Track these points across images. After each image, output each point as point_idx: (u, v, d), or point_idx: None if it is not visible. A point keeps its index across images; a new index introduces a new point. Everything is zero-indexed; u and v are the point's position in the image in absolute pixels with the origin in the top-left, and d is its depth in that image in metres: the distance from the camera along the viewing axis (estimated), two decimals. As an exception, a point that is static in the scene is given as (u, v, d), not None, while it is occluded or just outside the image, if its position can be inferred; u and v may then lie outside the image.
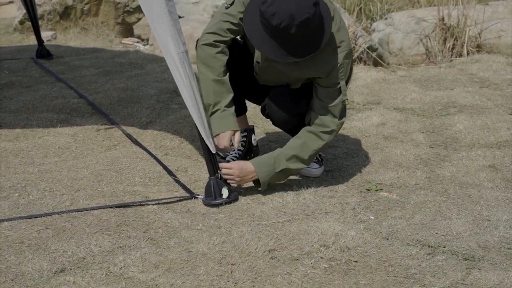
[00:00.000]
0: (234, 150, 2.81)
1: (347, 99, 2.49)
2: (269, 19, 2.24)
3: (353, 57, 4.62)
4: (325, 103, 2.45)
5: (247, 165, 2.45)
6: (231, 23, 2.45)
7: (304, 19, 2.21)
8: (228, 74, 2.49)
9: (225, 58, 2.47)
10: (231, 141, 2.47)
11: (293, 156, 2.46)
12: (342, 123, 2.51)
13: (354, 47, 4.68)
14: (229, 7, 2.46)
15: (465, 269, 2.00)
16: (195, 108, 2.40)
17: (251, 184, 2.57)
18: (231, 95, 2.47)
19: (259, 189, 2.50)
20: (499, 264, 2.03)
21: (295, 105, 2.54)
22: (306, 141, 2.47)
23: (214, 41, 2.46)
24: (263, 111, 2.68)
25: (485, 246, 2.14)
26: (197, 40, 2.64)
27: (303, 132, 2.49)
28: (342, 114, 2.50)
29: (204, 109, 2.44)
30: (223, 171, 2.44)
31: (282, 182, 2.60)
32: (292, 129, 2.62)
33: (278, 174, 2.47)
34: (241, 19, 2.42)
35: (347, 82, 2.47)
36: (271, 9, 2.23)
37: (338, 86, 2.43)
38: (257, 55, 2.52)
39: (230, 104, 2.46)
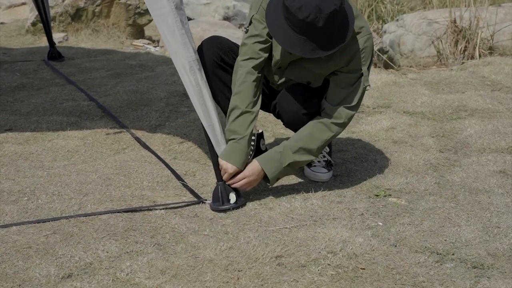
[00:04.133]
0: None
1: (369, 85, 2.45)
2: (295, 13, 2.22)
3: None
4: (345, 89, 2.42)
5: (254, 165, 2.44)
6: (260, 42, 2.44)
7: (332, 11, 2.20)
8: (258, 105, 2.47)
9: (257, 89, 2.46)
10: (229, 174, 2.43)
11: (300, 148, 2.43)
12: (353, 115, 2.48)
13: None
14: (248, 28, 2.46)
15: (474, 278, 1.98)
16: (206, 116, 2.40)
17: (258, 188, 2.57)
18: (250, 129, 2.44)
19: (268, 184, 2.48)
20: (508, 273, 2.01)
21: (306, 104, 2.49)
22: (313, 131, 2.44)
23: (250, 68, 2.45)
24: (273, 110, 2.65)
25: (495, 254, 2.12)
26: (201, 43, 2.62)
27: (312, 122, 2.46)
28: (357, 104, 2.46)
29: (217, 116, 2.44)
30: (238, 184, 2.42)
31: (289, 185, 2.60)
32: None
33: (286, 169, 2.45)
34: (267, 34, 2.42)
35: (369, 68, 2.44)
36: (297, 3, 2.22)
37: (360, 72, 2.41)
38: (276, 61, 2.49)
39: (247, 138, 2.43)
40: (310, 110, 2.49)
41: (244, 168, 2.44)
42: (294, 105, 2.50)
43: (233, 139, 2.43)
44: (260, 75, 2.47)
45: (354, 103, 2.44)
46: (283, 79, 2.54)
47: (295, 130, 2.66)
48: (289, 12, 2.24)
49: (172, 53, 2.38)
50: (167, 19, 2.33)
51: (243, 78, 2.45)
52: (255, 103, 2.46)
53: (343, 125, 2.47)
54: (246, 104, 2.43)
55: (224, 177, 2.43)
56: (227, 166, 2.42)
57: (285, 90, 2.55)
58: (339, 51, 2.37)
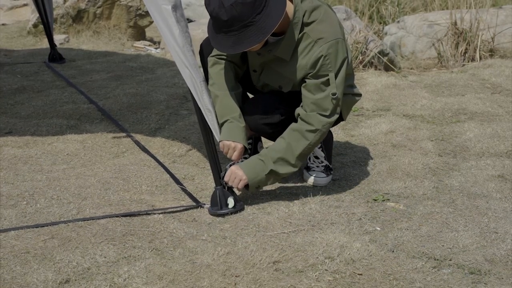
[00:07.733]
0: None
1: (338, 94, 2.39)
2: (207, 9, 2.25)
3: (364, 62, 4.62)
4: (314, 95, 2.39)
5: (236, 168, 2.46)
6: None
7: (232, 3, 2.19)
8: (238, 90, 2.51)
9: (230, 73, 2.49)
10: (234, 151, 2.47)
11: (279, 158, 2.43)
12: (330, 123, 2.43)
13: (365, 52, 4.65)
14: None
15: (471, 283, 1.98)
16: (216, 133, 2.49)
17: (257, 193, 2.57)
18: (238, 111, 2.47)
19: (248, 191, 2.50)
20: (505, 279, 2.01)
21: (267, 115, 2.52)
22: (290, 141, 2.43)
23: (216, 59, 2.51)
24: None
25: (492, 259, 2.12)
26: (201, 45, 2.64)
27: (289, 130, 2.46)
28: (332, 112, 2.41)
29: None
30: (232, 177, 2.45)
31: (288, 190, 2.60)
32: (267, 136, 2.64)
33: (267, 177, 2.45)
34: None
35: (337, 75, 2.38)
36: (207, 0, 2.25)
37: (327, 78, 2.37)
38: (251, 63, 2.52)
39: (239, 117, 2.47)
40: (271, 120, 2.52)
41: (247, 144, 2.51)
42: (255, 115, 2.53)
43: (227, 120, 2.47)
44: (226, 62, 2.50)
45: (328, 110, 2.40)
46: (261, 83, 2.57)
47: (262, 136, 2.68)
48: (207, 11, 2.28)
49: (184, 74, 2.41)
50: (176, 43, 2.36)
51: (214, 69, 2.51)
52: (234, 87, 2.50)
53: (318, 133, 2.42)
54: (225, 89, 2.48)
55: (234, 154, 2.46)
56: (235, 144, 2.45)
57: (251, 99, 2.60)
58: (300, 55, 2.37)
